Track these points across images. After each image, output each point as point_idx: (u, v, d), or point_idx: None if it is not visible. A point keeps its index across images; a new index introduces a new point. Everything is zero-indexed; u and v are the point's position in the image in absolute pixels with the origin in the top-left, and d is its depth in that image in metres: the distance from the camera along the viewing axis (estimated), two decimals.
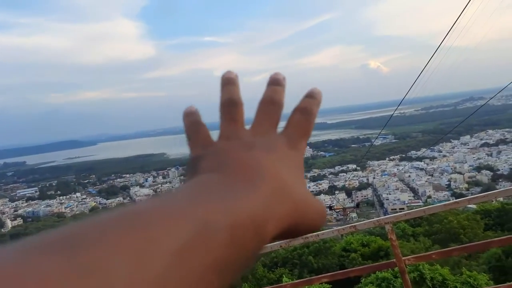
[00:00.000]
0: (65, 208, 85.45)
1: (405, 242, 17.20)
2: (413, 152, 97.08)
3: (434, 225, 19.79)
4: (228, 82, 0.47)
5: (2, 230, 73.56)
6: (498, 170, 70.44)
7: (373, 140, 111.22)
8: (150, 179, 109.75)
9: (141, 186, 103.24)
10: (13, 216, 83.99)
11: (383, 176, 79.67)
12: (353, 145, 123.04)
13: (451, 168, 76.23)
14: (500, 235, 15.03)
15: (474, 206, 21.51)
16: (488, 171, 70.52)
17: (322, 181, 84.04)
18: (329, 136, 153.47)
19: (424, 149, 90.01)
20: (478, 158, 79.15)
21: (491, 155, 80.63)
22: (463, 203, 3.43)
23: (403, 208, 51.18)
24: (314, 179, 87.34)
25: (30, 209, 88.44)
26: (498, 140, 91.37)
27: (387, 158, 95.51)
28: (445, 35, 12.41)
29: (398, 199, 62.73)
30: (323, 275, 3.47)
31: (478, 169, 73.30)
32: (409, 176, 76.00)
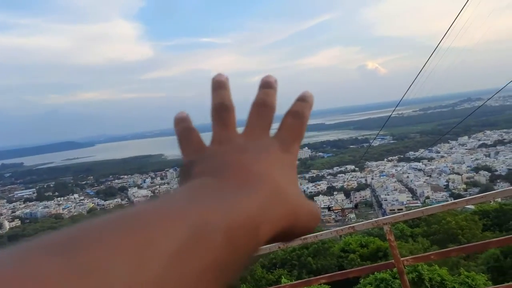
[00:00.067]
0: (63, 209, 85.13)
1: (404, 243, 17.21)
2: (411, 153, 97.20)
3: (433, 226, 19.80)
4: (219, 86, 0.47)
5: (0, 231, 73.29)
6: (496, 170, 70.56)
7: (371, 141, 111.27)
8: (148, 180, 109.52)
9: (139, 187, 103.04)
10: (10, 217, 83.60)
11: (382, 177, 79.73)
12: (351, 146, 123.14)
13: (449, 169, 76.33)
14: (498, 235, 15.04)
15: (472, 207, 21.53)
16: (486, 172, 70.61)
17: (321, 182, 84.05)
18: (327, 137, 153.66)
19: (422, 150, 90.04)
20: (476, 159, 79.29)
21: (489, 155, 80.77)
22: (461, 203, 3.43)
23: (401, 209, 51.20)
24: (312, 179, 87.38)
25: (27, 210, 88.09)
26: (496, 140, 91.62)
27: (385, 159, 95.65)
28: (443, 36, 12.47)
29: (397, 200, 62.76)
30: (321, 276, 3.47)
31: (476, 169, 73.43)
32: (408, 176, 76.08)
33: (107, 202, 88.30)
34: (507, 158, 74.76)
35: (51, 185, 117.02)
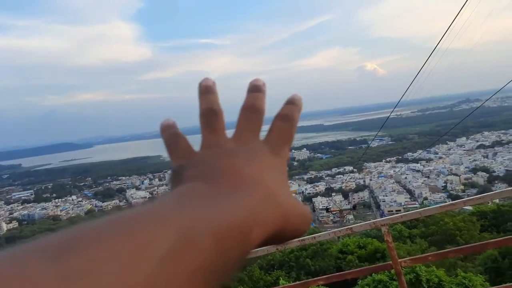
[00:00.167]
0: (61, 211, 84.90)
1: (402, 244, 17.22)
2: (409, 154, 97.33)
3: (431, 227, 19.81)
4: (206, 91, 0.47)
5: None
6: (494, 171, 70.58)
7: (369, 142, 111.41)
8: (146, 181, 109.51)
9: (137, 188, 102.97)
10: (8, 219, 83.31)
11: (380, 178, 79.77)
12: (350, 147, 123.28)
13: (447, 170, 76.46)
14: (496, 236, 15.05)
15: (470, 208, 21.57)
16: (484, 173, 70.71)
17: (319, 183, 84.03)
18: (326, 138, 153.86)
19: (420, 151, 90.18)
20: (474, 160, 79.41)
21: (487, 156, 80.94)
22: (459, 204, 3.42)
23: (399, 210, 51.30)
24: (311, 181, 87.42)
25: (25, 212, 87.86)
26: (494, 141, 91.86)
27: (383, 160, 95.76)
28: (442, 37, 12.43)
29: (395, 201, 62.77)
30: (319, 277, 3.46)
31: (474, 170, 73.56)
32: (406, 178, 76.20)
33: (105, 203, 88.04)
34: (505, 159, 74.88)
35: (49, 187, 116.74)
